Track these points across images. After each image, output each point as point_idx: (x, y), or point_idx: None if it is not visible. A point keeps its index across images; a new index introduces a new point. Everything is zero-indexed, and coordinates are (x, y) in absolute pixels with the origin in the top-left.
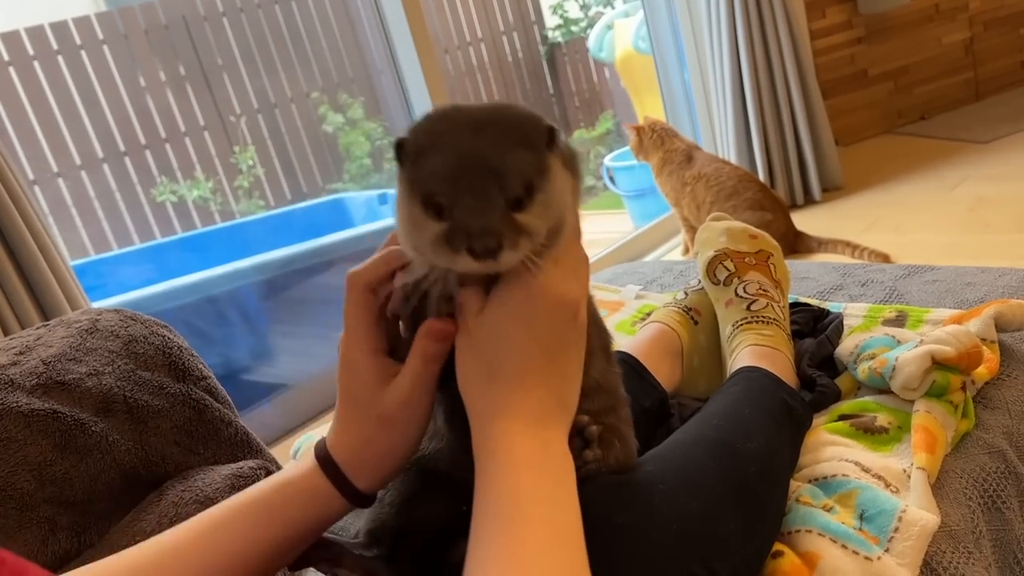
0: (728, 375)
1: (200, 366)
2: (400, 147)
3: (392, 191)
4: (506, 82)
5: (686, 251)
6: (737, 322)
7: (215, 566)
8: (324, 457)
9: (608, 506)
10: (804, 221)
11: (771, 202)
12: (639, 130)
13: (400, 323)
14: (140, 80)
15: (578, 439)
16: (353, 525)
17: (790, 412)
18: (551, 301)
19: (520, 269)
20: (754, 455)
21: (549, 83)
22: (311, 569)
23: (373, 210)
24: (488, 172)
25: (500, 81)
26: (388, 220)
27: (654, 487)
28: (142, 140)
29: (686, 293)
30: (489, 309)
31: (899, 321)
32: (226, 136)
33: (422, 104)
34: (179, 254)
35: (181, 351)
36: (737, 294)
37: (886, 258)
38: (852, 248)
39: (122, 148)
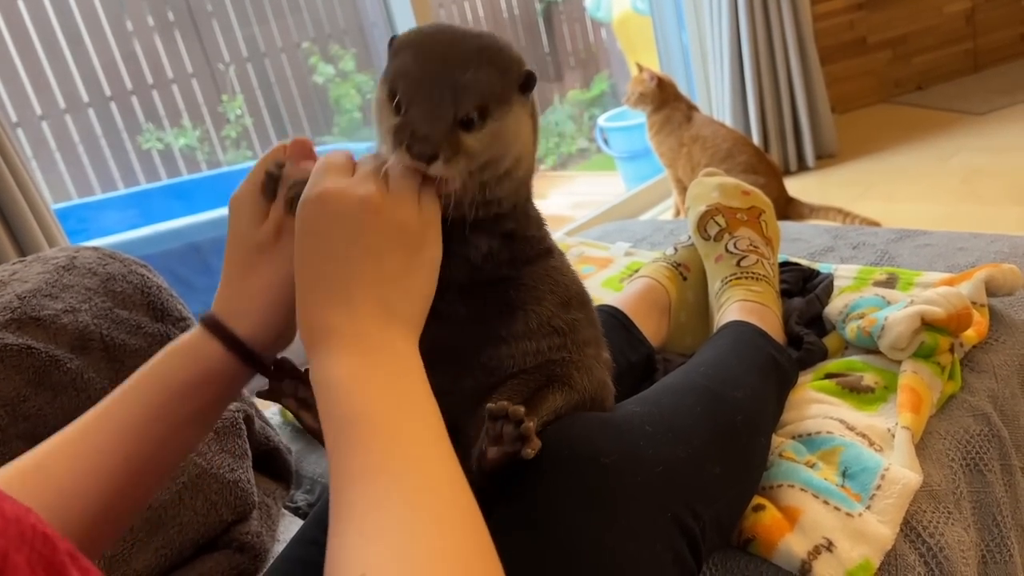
0: (716, 329)
1: (179, 307)
2: (391, 42)
3: None
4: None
5: (677, 213)
6: (726, 278)
7: (113, 445)
8: (205, 313)
9: (594, 444)
10: (797, 187)
11: (765, 166)
12: (661, 81)
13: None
14: (127, 24)
15: (511, 426)
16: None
17: (776, 367)
18: (331, 201)
19: (313, 179)
20: (740, 405)
21: (545, 41)
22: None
23: None
24: (447, 83)
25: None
26: None
27: (641, 429)
28: (128, 85)
29: (675, 249)
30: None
31: (889, 283)
32: (214, 84)
33: None
34: (164, 201)
35: (160, 291)
36: (727, 250)
37: (877, 226)
38: (844, 215)
39: (108, 92)
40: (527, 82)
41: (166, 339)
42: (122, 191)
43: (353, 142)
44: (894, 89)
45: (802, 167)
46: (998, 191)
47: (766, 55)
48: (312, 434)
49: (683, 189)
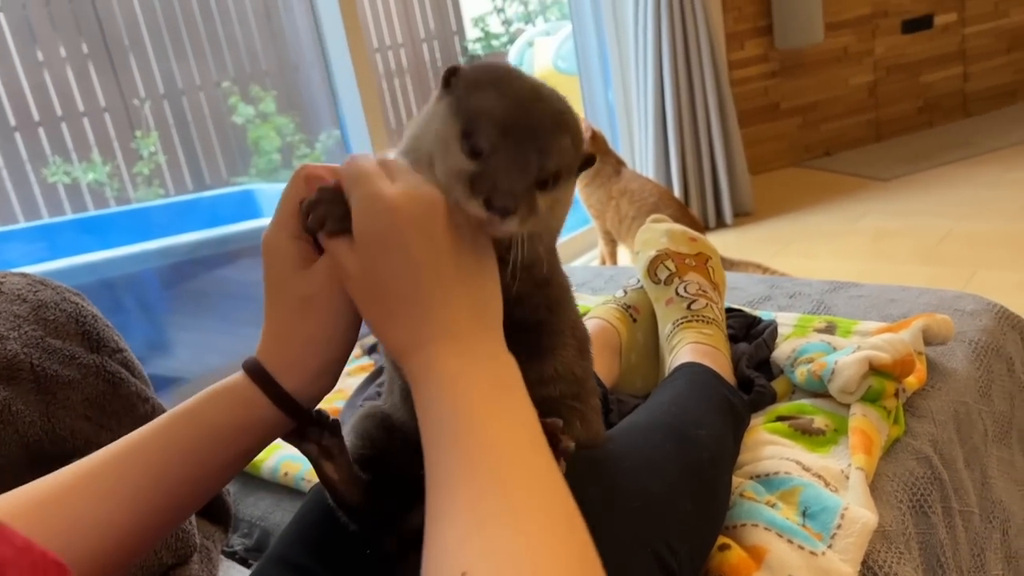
0: (668, 371)
1: (115, 337)
2: (454, 72)
3: None
4: (423, 89)
5: (603, 262)
6: (677, 320)
7: (144, 482)
8: (249, 361)
9: (575, 478)
10: (716, 243)
11: (688, 221)
12: (595, 135)
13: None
14: (38, 54)
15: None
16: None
17: (731, 408)
18: (401, 208)
19: (357, 197)
20: (705, 443)
21: None
22: None
23: None
24: (538, 141)
25: (418, 88)
26: None
27: (618, 464)
28: (35, 117)
29: (625, 291)
30: (356, 243)
31: (829, 331)
32: (128, 120)
33: (350, 101)
34: (74, 236)
35: (96, 320)
36: (678, 293)
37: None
38: (763, 270)
39: (12, 123)
40: (587, 162)
41: (102, 370)
42: (29, 223)
43: (270, 183)
44: (804, 153)
45: (720, 223)
46: (905, 252)
47: (688, 116)
48: (327, 485)
49: (610, 240)
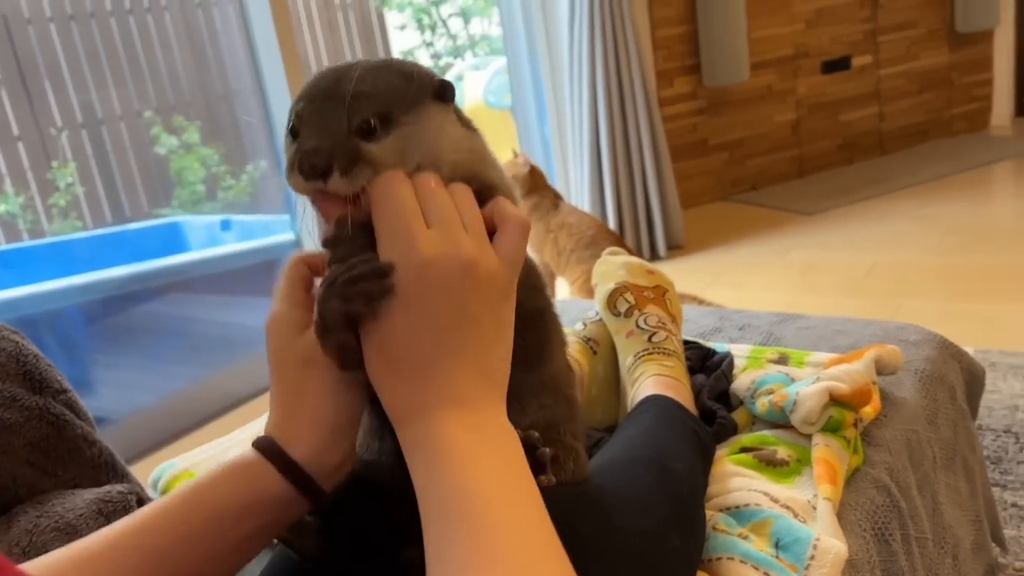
0: (632, 404)
1: (59, 377)
2: None
3: (236, 217)
4: None
5: None
6: (639, 353)
7: (153, 564)
8: (261, 438)
9: (569, 516)
10: None
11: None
12: (533, 170)
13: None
14: None
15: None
16: None
17: (699, 440)
18: (433, 267)
19: (388, 243)
20: (684, 476)
21: None
22: None
23: (214, 236)
24: (335, 96)
25: None
26: (233, 246)
27: (609, 500)
28: None
29: (584, 324)
30: None
31: (782, 362)
32: (44, 150)
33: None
34: None
35: (37, 360)
36: (638, 326)
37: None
38: (698, 302)
39: None
40: (442, 90)
41: (46, 412)
42: None
43: (195, 215)
44: (731, 188)
45: (654, 256)
46: (831, 284)
47: (623, 150)
48: (302, 555)
49: (548, 272)
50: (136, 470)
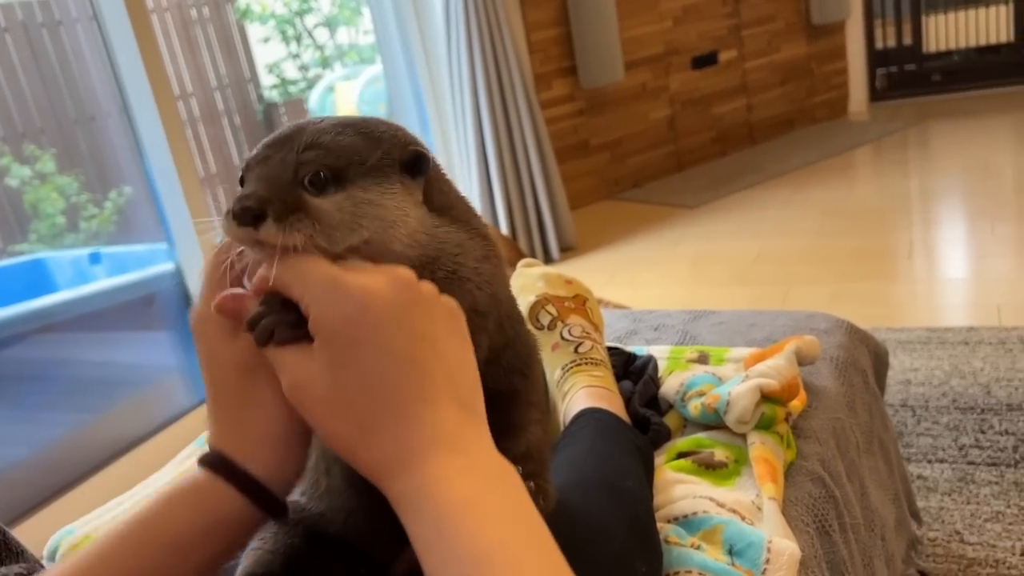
0: (565, 418)
1: None
2: None
3: (106, 249)
4: (219, 139)
5: None
6: (567, 365)
7: None
8: (208, 454)
9: None
10: None
11: (520, 259)
12: None
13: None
14: None
15: None
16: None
17: (639, 450)
18: (374, 295)
19: (315, 296)
20: (637, 494)
21: None
22: None
23: (82, 272)
24: (288, 145)
25: (213, 138)
26: (105, 282)
27: (572, 526)
28: None
29: None
30: (314, 350)
31: (702, 360)
32: None
33: (157, 151)
34: None
35: None
36: (563, 337)
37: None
38: (603, 304)
39: None
40: (414, 164)
41: None
42: None
43: (55, 250)
44: (615, 186)
45: (548, 259)
46: (722, 274)
47: (509, 155)
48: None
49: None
50: (21, 534)
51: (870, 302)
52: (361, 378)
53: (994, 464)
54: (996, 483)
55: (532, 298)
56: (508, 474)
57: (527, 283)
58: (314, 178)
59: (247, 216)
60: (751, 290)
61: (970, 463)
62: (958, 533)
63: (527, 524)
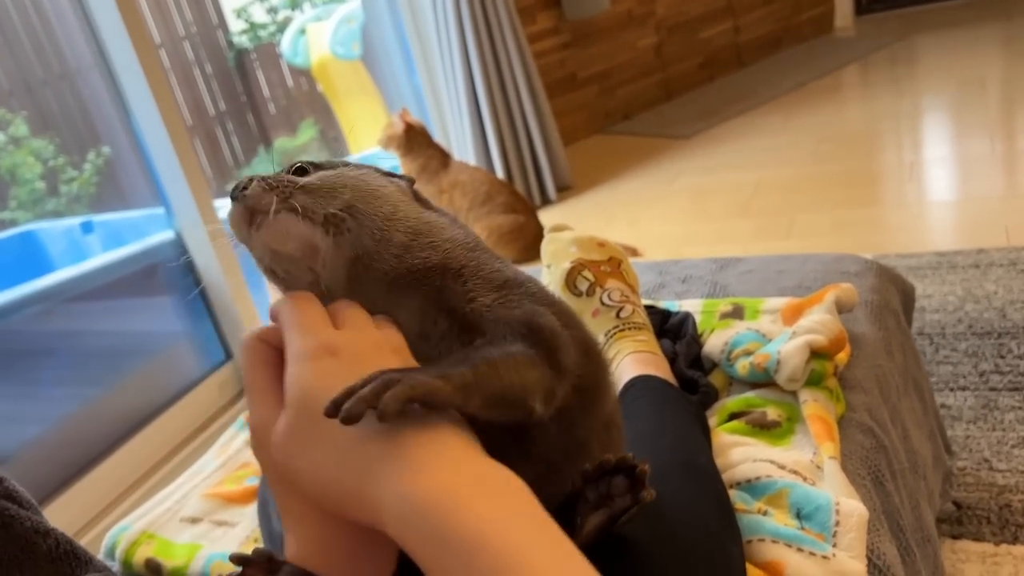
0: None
1: None
2: None
3: (99, 217)
4: (192, 90)
5: None
6: (609, 331)
7: None
8: (287, 570)
9: (644, 536)
10: (546, 220)
11: (522, 205)
12: (411, 128)
13: None
14: None
15: (621, 478)
16: None
17: (697, 418)
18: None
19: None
20: (712, 470)
21: (240, 90)
22: None
23: (75, 243)
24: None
25: (186, 89)
26: (106, 256)
27: (666, 524)
28: None
29: None
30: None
31: (737, 313)
32: None
33: (143, 105)
34: None
35: None
36: (603, 303)
37: (635, 252)
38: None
39: None
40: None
41: None
42: None
43: (47, 219)
44: (605, 120)
45: (546, 201)
46: (723, 207)
47: (499, 94)
48: None
49: None
50: (51, 516)
51: (875, 228)
52: (314, 467)
53: (1016, 389)
54: (1020, 407)
55: (567, 264)
56: (486, 461)
57: (559, 248)
58: (299, 169)
59: (238, 187)
60: (754, 222)
61: (992, 389)
62: (987, 461)
63: (517, 508)
